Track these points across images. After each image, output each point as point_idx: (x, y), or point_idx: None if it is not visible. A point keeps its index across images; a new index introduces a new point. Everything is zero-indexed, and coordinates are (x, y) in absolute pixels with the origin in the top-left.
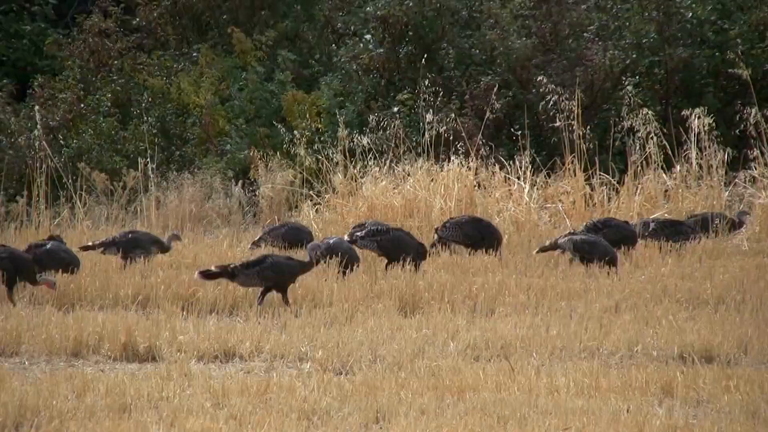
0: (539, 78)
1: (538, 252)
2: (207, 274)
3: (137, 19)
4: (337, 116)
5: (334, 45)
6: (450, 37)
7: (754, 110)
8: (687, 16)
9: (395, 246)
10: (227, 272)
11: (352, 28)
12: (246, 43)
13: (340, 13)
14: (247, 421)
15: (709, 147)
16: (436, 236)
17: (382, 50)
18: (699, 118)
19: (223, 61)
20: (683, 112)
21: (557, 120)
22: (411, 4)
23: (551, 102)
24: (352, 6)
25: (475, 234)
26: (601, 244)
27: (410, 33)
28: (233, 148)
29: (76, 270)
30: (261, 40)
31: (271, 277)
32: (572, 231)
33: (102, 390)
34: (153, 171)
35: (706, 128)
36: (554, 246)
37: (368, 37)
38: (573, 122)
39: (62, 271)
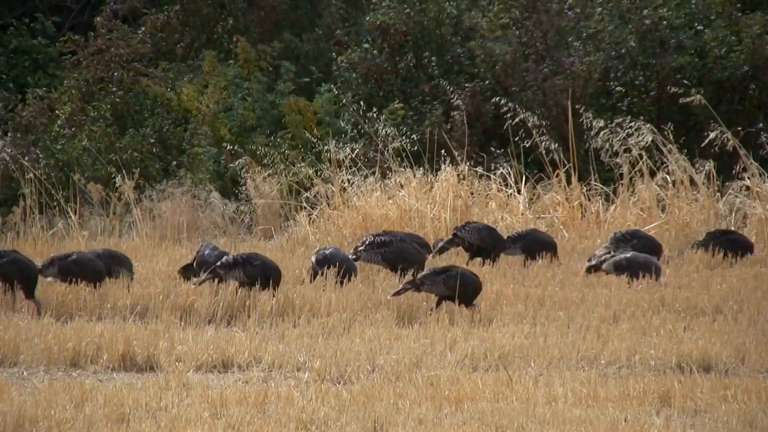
0: (502, 100)
1: (586, 272)
2: (399, 293)
3: (141, 29)
4: (331, 125)
5: (334, 54)
6: (447, 45)
7: (719, 131)
8: (654, 19)
9: (400, 257)
10: (414, 284)
11: (347, 38)
12: (250, 53)
13: (345, 24)
14: (245, 431)
15: (674, 158)
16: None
17: (379, 59)
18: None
19: (226, 69)
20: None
21: (524, 139)
22: (412, 13)
23: (516, 121)
24: (353, 15)
25: (490, 241)
26: (641, 257)
27: (410, 42)
28: (222, 156)
29: (99, 283)
30: (266, 51)
31: (454, 286)
32: (611, 252)
33: (100, 400)
34: (136, 180)
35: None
36: (599, 267)
37: (366, 46)
38: (544, 137)
39: (88, 281)
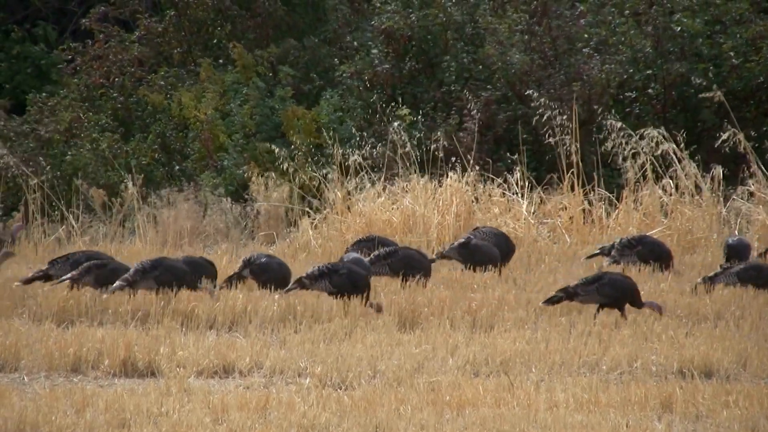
0: (533, 93)
1: (701, 285)
2: (552, 301)
3: (137, 33)
4: (334, 132)
5: (336, 60)
6: (453, 52)
7: (731, 132)
8: (676, 30)
9: (407, 264)
10: (567, 293)
11: (356, 43)
12: (248, 59)
13: (349, 29)
14: None
15: (681, 162)
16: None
17: (387, 66)
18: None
19: (224, 75)
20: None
21: (550, 136)
22: (415, 18)
23: (545, 117)
24: (360, 22)
25: (504, 247)
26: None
27: (414, 47)
28: (230, 162)
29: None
30: (263, 56)
31: (610, 293)
32: (726, 266)
33: (101, 406)
34: (138, 186)
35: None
36: (712, 281)
37: (375, 51)
38: (567, 137)
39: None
